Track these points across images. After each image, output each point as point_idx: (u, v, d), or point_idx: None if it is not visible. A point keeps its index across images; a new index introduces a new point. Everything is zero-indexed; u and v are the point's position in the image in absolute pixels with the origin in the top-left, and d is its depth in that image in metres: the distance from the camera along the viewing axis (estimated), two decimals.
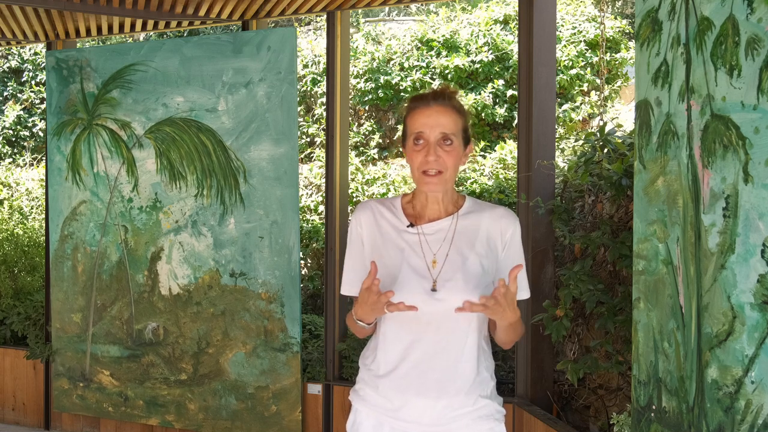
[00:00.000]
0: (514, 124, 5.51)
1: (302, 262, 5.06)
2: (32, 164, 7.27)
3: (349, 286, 1.70)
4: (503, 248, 1.61)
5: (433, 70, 6.03)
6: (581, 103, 5.57)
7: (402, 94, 6.00)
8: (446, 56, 6.04)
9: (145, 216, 3.74)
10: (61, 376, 3.95)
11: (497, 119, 5.59)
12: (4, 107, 7.62)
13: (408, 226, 1.61)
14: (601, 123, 3.96)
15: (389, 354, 1.60)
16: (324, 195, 4.02)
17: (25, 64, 7.82)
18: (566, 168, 3.83)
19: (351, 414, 1.70)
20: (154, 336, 3.73)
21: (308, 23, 7.90)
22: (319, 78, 6.36)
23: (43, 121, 7.35)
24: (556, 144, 4.62)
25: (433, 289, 1.55)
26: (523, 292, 1.64)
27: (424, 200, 1.61)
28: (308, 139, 6.17)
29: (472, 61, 5.88)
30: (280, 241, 3.49)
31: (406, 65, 6.10)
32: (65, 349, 3.93)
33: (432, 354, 1.56)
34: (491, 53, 5.87)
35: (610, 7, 6.90)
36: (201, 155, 3.63)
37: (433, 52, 6.16)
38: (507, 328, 1.56)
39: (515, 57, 5.79)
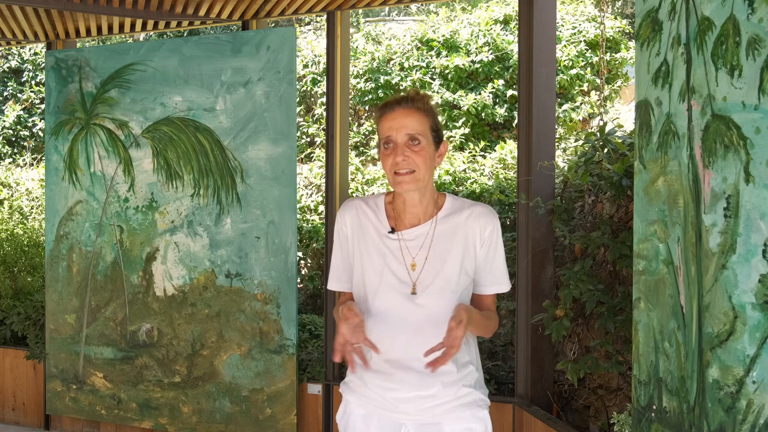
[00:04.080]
0: (514, 124, 5.50)
1: (302, 262, 5.06)
2: (32, 164, 7.26)
3: (335, 282, 1.76)
4: (482, 246, 1.64)
5: (433, 70, 6.02)
6: (581, 103, 5.57)
7: (402, 94, 5.99)
8: (446, 56, 6.04)
9: (140, 216, 3.73)
10: (54, 378, 3.94)
11: (497, 119, 5.59)
12: (4, 107, 7.61)
13: (389, 232, 1.65)
14: (601, 123, 3.95)
15: (373, 353, 1.63)
16: (324, 195, 4.02)
17: (25, 64, 7.81)
18: (566, 168, 3.83)
19: (341, 405, 1.75)
20: (147, 337, 3.72)
21: (308, 23, 7.89)
22: (319, 78, 6.36)
23: (43, 120, 7.35)
24: (556, 144, 4.62)
25: (413, 293, 1.60)
26: (503, 285, 1.70)
27: (401, 204, 1.65)
28: (308, 139, 6.16)
29: (472, 61, 5.87)
30: (277, 242, 3.49)
31: (406, 65, 6.10)
32: (59, 351, 3.91)
33: (414, 352, 1.59)
34: (491, 53, 5.86)
35: (610, 7, 6.89)
36: (198, 155, 3.62)
37: (433, 52, 6.16)
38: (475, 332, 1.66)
39: (515, 57, 5.79)
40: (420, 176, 1.57)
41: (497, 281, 1.69)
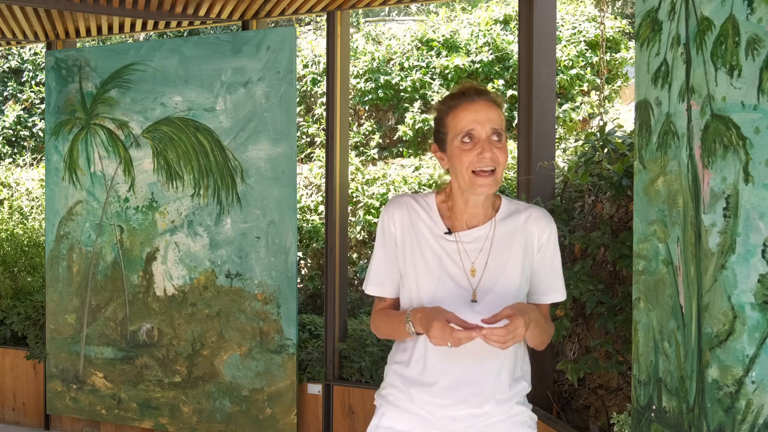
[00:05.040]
0: (514, 124, 5.50)
1: (302, 262, 5.06)
2: (32, 164, 7.26)
3: (376, 287, 1.60)
4: (538, 250, 1.56)
5: (433, 70, 6.02)
6: (581, 103, 5.57)
7: (402, 94, 6.00)
8: (446, 56, 6.04)
9: (141, 216, 3.73)
10: (54, 378, 3.94)
11: None
12: (4, 107, 7.62)
13: (446, 233, 1.53)
14: (601, 123, 3.95)
15: (429, 363, 1.53)
16: (324, 195, 4.02)
17: (25, 64, 7.81)
18: (566, 168, 3.83)
19: (375, 417, 1.61)
20: (148, 337, 3.72)
21: (308, 23, 7.89)
22: (319, 78, 6.36)
23: (43, 120, 7.35)
24: (556, 144, 4.62)
25: (473, 301, 1.49)
26: (559, 294, 1.61)
27: (462, 204, 1.53)
28: (308, 139, 6.16)
29: (472, 61, 5.87)
30: (277, 242, 3.49)
31: (406, 65, 6.10)
32: (59, 351, 3.91)
33: (471, 365, 1.51)
34: (491, 53, 5.87)
35: (610, 7, 6.89)
36: (198, 155, 3.62)
37: (433, 52, 6.16)
38: (529, 336, 1.52)
39: (515, 57, 5.79)
40: (499, 176, 1.44)
41: (555, 289, 1.59)
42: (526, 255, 1.54)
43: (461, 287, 1.50)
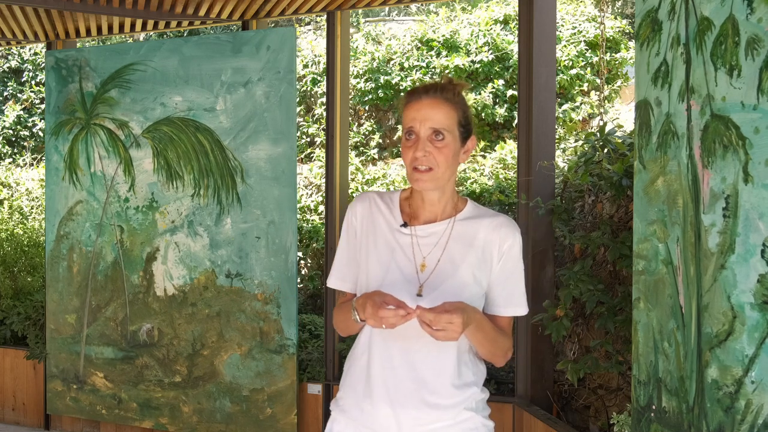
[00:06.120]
0: (514, 124, 5.50)
1: (302, 262, 5.06)
2: (32, 164, 7.26)
3: (337, 280, 1.63)
4: (499, 260, 1.52)
5: (433, 70, 6.03)
6: (581, 103, 5.57)
7: (402, 94, 6.00)
8: (446, 56, 6.04)
9: (141, 216, 3.73)
10: (54, 378, 3.94)
11: (497, 119, 5.59)
12: (4, 107, 7.62)
13: (401, 226, 1.54)
14: (601, 123, 3.95)
15: (369, 362, 1.53)
16: (324, 195, 4.02)
17: (25, 64, 7.81)
18: (566, 168, 3.83)
19: (328, 423, 1.62)
20: (148, 337, 3.72)
21: (308, 23, 7.89)
22: (319, 78, 6.36)
23: (43, 120, 7.35)
24: (556, 144, 4.62)
25: (419, 295, 1.47)
26: (520, 308, 1.56)
27: (419, 200, 1.55)
28: (308, 139, 6.17)
29: (472, 61, 5.87)
30: (277, 242, 3.49)
31: (406, 65, 6.10)
32: (59, 351, 3.92)
33: (412, 363, 1.49)
34: (491, 53, 5.87)
35: (610, 7, 6.89)
36: (198, 155, 3.62)
37: (433, 52, 6.16)
38: (473, 342, 1.51)
39: (515, 57, 5.79)
40: (438, 175, 1.46)
41: (514, 302, 1.54)
42: (483, 261, 1.52)
43: (408, 280, 1.49)
